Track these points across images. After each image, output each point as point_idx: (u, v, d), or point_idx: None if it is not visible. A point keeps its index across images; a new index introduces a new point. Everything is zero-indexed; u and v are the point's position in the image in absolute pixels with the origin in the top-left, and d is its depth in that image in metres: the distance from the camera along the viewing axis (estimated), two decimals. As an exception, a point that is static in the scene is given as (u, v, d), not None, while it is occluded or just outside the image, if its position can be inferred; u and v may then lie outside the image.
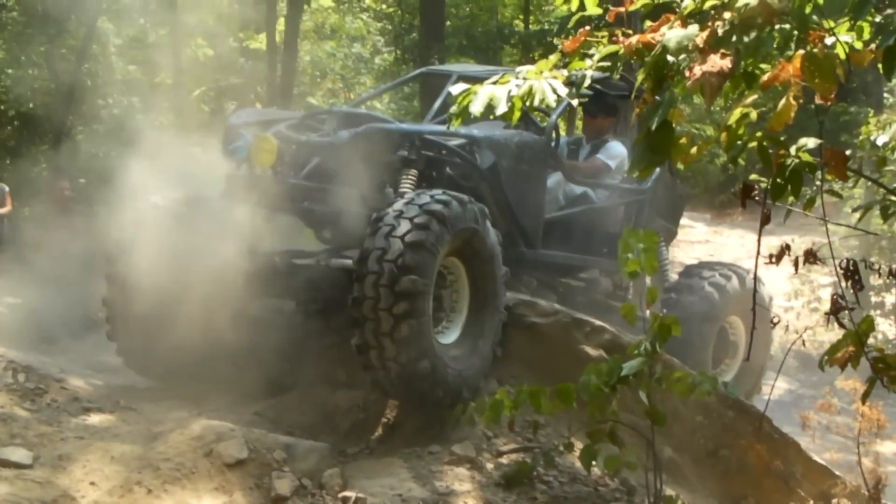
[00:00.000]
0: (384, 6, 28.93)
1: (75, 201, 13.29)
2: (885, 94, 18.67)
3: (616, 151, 9.97)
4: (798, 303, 18.32)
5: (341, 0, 25.93)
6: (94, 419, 7.50)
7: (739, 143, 4.02)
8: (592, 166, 9.92)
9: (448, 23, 23.60)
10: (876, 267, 4.62)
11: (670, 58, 3.89)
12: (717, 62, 3.66)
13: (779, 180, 3.88)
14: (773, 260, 4.35)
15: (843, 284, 4.26)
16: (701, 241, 23.96)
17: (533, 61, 4.63)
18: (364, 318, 7.20)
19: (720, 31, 3.79)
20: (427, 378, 7.33)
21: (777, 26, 3.84)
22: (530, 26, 29.18)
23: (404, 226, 7.22)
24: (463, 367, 7.63)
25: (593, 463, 6.96)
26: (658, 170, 9.93)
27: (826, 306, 4.36)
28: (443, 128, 8.58)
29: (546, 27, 29.21)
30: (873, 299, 17.47)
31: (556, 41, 24.09)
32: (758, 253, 4.20)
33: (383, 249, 7.18)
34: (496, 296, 7.96)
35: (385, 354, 7.21)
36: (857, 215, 5.37)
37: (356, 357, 7.36)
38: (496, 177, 8.52)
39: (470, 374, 7.70)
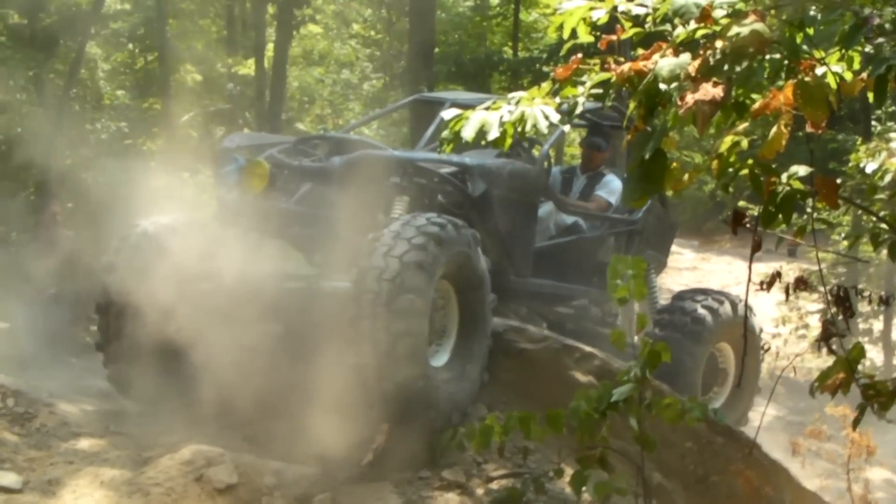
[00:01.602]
0: (373, 33, 29.00)
1: (64, 225, 13.27)
2: (873, 122, 18.75)
3: (615, 187, 10.03)
4: (786, 329, 18.35)
5: (330, 26, 26.00)
6: (84, 444, 7.49)
7: (731, 170, 4.04)
8: (598, 206, 9.98)
9: (437, 49, 23.65)
10: (866, 294, 4.63)
11: (662, 86, 3.91)
12: (710, 90, 3.68)
13: (770, 208, 3.91)
14: (764, 287, 4.38)
15: (834, 311, 4.28)
16: (689, 267, 24.02)
17: (522, 88, 4.64)
18: (361, 337, 7.22)
19: (712, 60, 3.81)
20: (420, 398, 7.34)
21: (768, 56, 3.87)
22: (519, 54, 29.26)
23: (402, 246, 7.27)
24: (453, 390, 7.64)
25: (583, 489, 6.96)
26: (650, 201, 9.99)
27: (814, 333, 4.37)
28: (435, 155, 8.61)
29: (535, 54, 29.29)
30: (861, 326, 17.50)
31: (545, 69, 24.15)
32: (749, 280, 4.22)
33: (381, 269, 7.21)
34: (484, 322, 7.99)
35: (382, 373, 7.22)
36: (846, 242, 5.40)
37: (347, 381, 7.35)
38: (487, 205, 8.53)
39: (459, 397, 7.71)
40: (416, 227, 7.42)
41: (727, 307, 9.60)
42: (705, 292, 9.99)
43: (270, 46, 20.34)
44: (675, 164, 4.11)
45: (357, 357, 7.25)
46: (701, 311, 9.47)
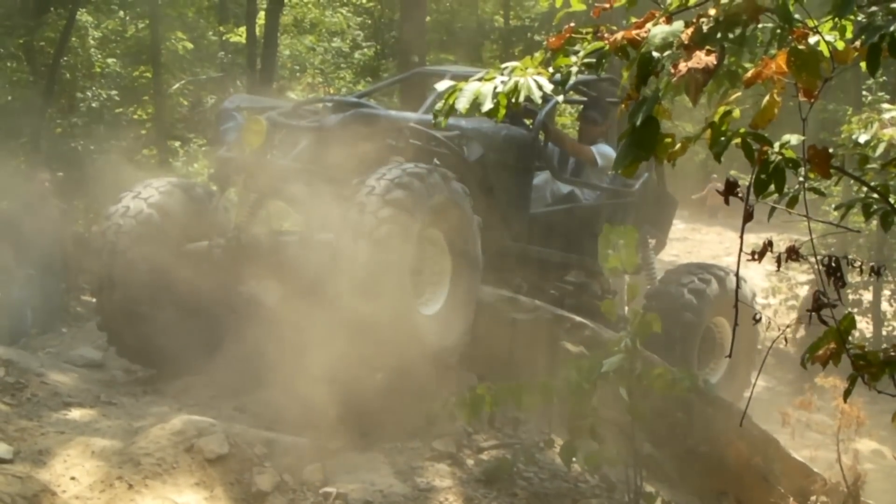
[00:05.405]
0: (364, 0, 28.87)
1: (53, 194, 13.24)
2: (864, 92, 18.75)
3: (605, 151, 9.99)
4: (776, 300, 18.38)
5: (321, -6, 25.91)
6: (75, 414, 7.48)
7: (723, 139, 4.02)
8: (582, 150, 9.92)
9: (428, 18, 23.56)
10: (857, 264, 4.61)
11: (655, 54, 3.89)
12: (703, 58, 3.66)
13: (762, 177, 3.89)
14: (756, 257, 4.36)
15: (825, 281, 4.26)
16: (679, 238, 23.98)
17: (514, 58, 4.62)
18: (342, 272, 7.26)
19: (705, 28, 3.79)
20: (405, 336, 7.36)
21: (760, 25, 3.85)
22: (511, 22, 29.15)
23: (385, 185, 7.40)
24: (439, 341, 7.67)
25: (573, 459, 6.98)
26: (646, 174, 10.02)
27: (804, 304, 4.35)
28: (430, 118, 8.63)
29: (527, 23, 29.21)
30: (851, 297, 17.53)
31: (537, 37, 24.08)
32: (740, 250, 4.20)
33: (363, 204, 7.32)
34: (475, 279, 8.02)
35: (363, 307, 7.22)
36: (837, 213, 5.38)
37: (336, 350, 7.34)
38: (483, 169, 8.55)
39: (445, 350, 7.75)
40: (400, 170, 7.52)
41: (723, 282, 9.65)
42: (702, 267, 10.04)
43: (262, 14, 20.22)
44: (668, 138, 4.09)
45: (339, 292, 7.26)
46: (698, 284, 9.52)
